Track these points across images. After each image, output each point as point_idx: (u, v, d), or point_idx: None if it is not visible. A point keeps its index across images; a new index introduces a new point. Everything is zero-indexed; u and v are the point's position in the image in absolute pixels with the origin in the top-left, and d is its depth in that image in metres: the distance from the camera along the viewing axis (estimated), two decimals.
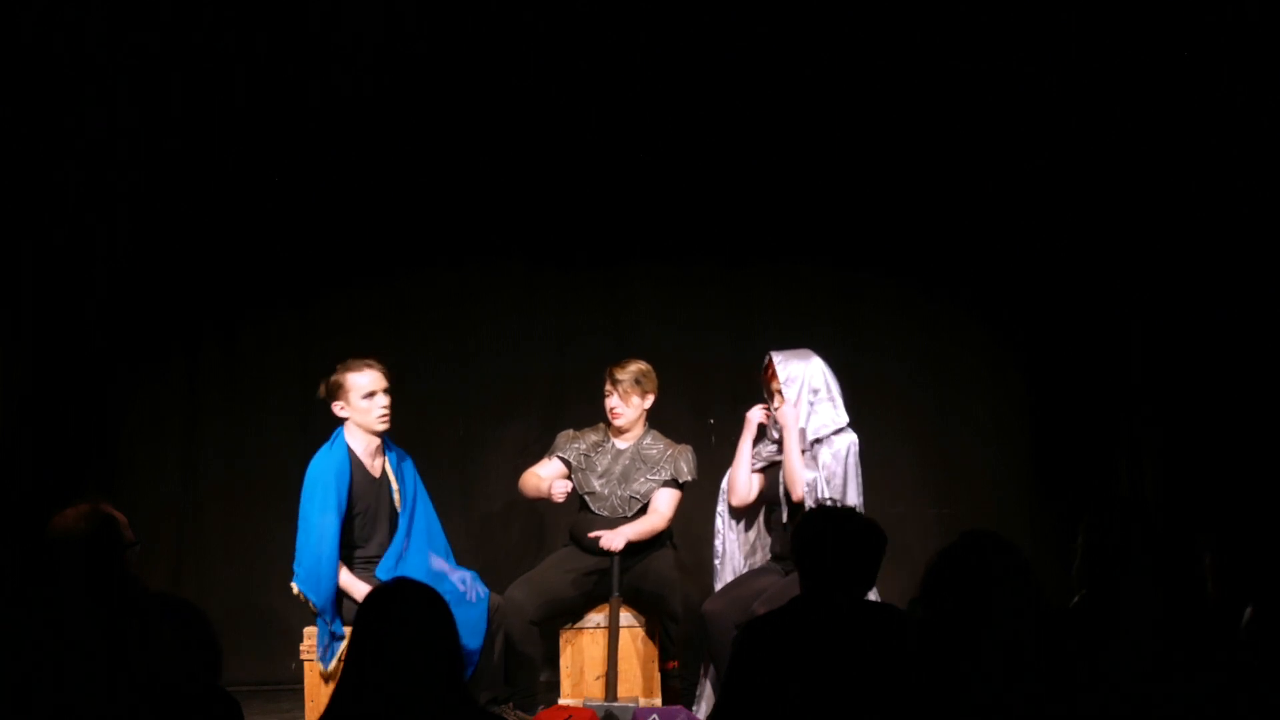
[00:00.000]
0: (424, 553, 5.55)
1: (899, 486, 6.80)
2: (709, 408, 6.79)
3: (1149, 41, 6.34)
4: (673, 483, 5.68)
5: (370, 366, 5.46)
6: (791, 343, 5.82)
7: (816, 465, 5.36)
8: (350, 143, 6.69)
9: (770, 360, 5.49)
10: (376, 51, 6.59)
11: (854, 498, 5.39)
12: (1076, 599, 3.44)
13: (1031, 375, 6.86)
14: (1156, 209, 6.50)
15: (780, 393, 5.43)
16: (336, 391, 5.45)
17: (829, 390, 5.45)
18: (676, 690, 5.66)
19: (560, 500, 5.60)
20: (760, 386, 5.63)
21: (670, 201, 6.79)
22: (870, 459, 6.81)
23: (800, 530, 3.54)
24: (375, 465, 5.50)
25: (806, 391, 5.41)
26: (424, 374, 6.70)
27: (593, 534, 5.52)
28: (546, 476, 5.69)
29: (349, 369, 5.45)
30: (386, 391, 5.46)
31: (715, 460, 6.04)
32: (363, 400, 5.42)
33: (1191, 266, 6.43)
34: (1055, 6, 6.41)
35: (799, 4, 6.57)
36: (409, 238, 6.81)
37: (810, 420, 5.39)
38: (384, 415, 5.45)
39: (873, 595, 4.35)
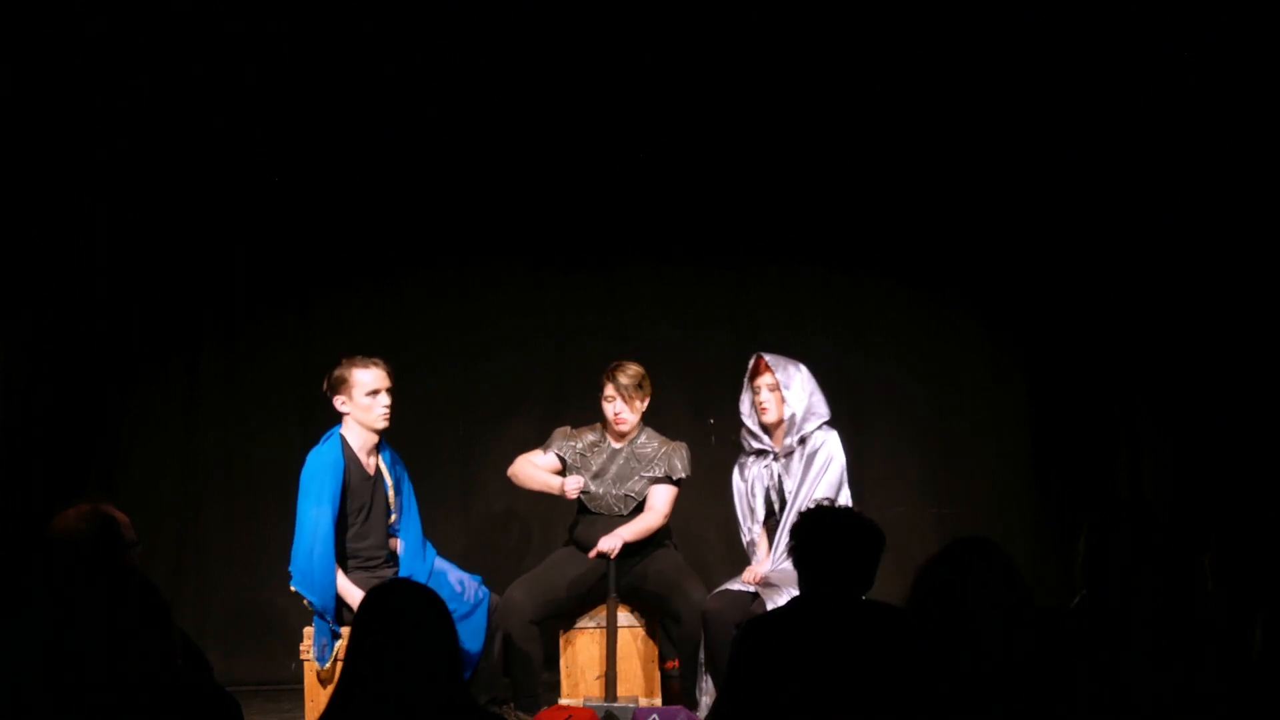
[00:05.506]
0: (422, 549, 5.56)
1: (900, 486, 6.81)
2: (709, 408, 6.79)
3: (1148, 42, 6.34)
4: (666, 479, 5.68)
5: (375, 365, 5.45)
6: (791, 344, 5.82)
7: (801, 462, 5.42)
8: (351, 142, 6.70)
9: (761, 358, 5.54)
10: (377, 51, 6.60)
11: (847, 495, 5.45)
12: (1077, 599, 3.44)
13: (1031, 375, 6.87)
14: (1156, 209, 6.50)
15: (769, 389, 5.47)
16: (339, 386, 5.44)
17: (817, 391, 5.54)
18: (676, 690, 5.66)
19: (573, 497, 5.61)
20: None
21: (670, 201, 6.80)
22: (871, 459, 6.83)
23: (800, 530, 3.54)
24: (370, 463, 5.51)
25: (802, 393, 5.49)
26: (424, 374, 6.70)
27: (593, 554, 5.51)
28: (543, 465, 5.70)
29: (354, 365, 5.44)
30: (389, 391, 5.45)
31: (715, 460, 6.05)
32: (365, 398, 5.41)
33: (1191, 267, 6.44)
34: (1055, 7, 6.41)
35: (800, 5, 6.58)
36: (409, 238, 6.81)
37: (799, 407, 5.45)
38: (385, 414, 5.45)
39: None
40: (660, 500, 5.66)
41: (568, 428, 5.85)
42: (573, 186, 6.80)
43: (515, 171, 6.77)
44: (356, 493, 5.43)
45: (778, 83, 6.69)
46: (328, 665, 5.29)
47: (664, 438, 5.77)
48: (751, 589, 5.35)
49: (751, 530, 5.60)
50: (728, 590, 5.43)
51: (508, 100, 6.69)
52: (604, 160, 6.77)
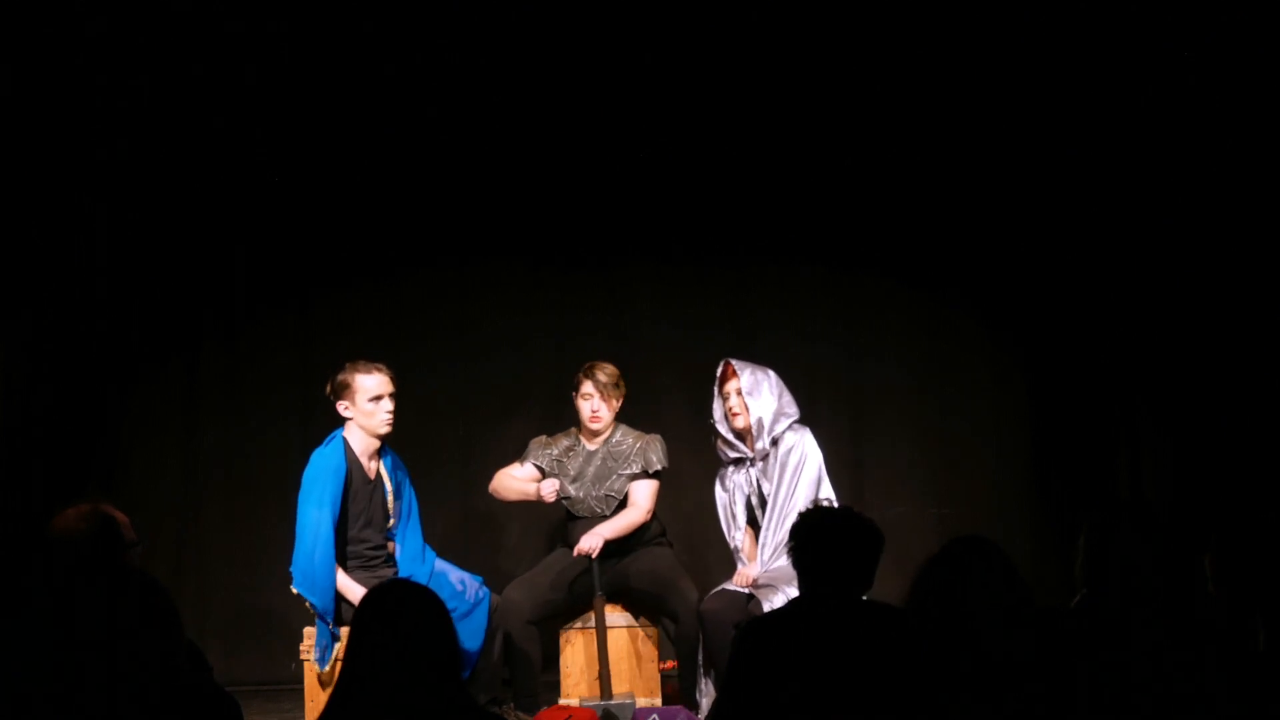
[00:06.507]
0: (422, 554, 5.57)
1: (900, 487, 6.80)
2: (709, 407, 6.78)
3: (1148, 42, 6.34)
4: (644, 474, 5.67)
5: (379, 370, 5.43)
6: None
7: (777, 464, 5.43)
8: (350, 142, 6.70)
9: (728, 364, 5.56)
10: (377, 51, 6.60)
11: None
12: (1077, 599, 3.44)
13: (1031, 375, 6.86)
14: (1156, 210, 6.50)
15: (738, 394, 5.47)
16: (342, 391, 5.43)
17: (786, 393, 5.56)
18: (674, 690, 5.65)
19: (551, 500, 5.61)
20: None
21: (670, 202, 6.80)
22: (871, 459, 6.83)
23: (799, 531, 3.54)
24: (371, 466, 5.50)
25: (770, 397, 5.51)
26: (424, 374, 6.70)
27: (575, 553, 5.51)
28: (522, 477, 5.70)
29: (357, 370, 5.42)
30: (392, 396, 5.44)
31: (717, 461, 6.03)
32: (368, 403, 5.40)
33: (1191, 267, 6.44)
34: (1055, 7, 6.41)
35: (800, 5, 6.58)
36: (409, 238, 6.81)
37: (767, 411, 5.45)
38: (388, 419, 5.44)
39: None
40: (641, 495, 5.65)
41: (543, 437, 5.86)
42: (573, 186, 6.80)
43: (515, 171, 6.77)
44: (357, 496, 5.43)
45: (777, 83, 6.68)
46: (328, 668, 5.29)
47: (638, 432, 5.77)
48: (746, 591, 5.35)
49: (735, 537, 5.61)
50: (725, 590, 5.43)
51: (507, 100, 6.69)
52: (604, 160, 6.76)
